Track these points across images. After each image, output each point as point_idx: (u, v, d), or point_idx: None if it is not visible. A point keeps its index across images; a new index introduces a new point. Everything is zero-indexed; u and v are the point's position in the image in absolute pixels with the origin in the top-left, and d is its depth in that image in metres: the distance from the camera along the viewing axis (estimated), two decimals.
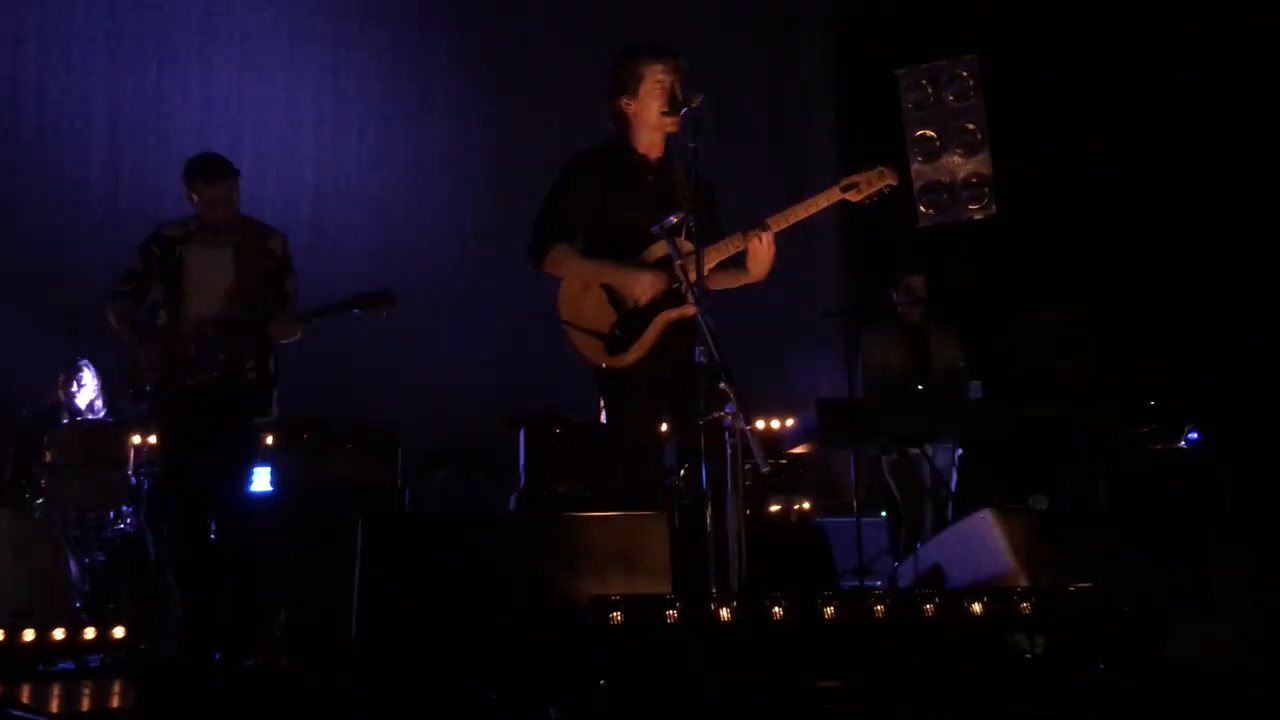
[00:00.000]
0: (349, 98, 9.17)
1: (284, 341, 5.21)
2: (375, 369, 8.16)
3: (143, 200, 8.08)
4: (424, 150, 9.29)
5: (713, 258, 4.42)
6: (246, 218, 5.32)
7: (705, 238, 4.32)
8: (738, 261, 4.51)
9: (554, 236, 4.55)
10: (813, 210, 4.47)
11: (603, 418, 4.70)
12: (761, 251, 4.40)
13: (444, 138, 9.36)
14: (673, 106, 4.44)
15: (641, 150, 4.59)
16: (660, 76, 4.48)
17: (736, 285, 4.61)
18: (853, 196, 4.47)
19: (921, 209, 7.90)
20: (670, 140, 4.62)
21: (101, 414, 6.85)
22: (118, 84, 8.49)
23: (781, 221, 4.43)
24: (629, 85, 4.53)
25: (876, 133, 8.46)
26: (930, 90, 7.88)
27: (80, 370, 6.81)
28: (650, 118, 4.52)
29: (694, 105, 4.28)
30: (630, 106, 4.55)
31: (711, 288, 4.55)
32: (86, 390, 6.85)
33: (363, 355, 8.00)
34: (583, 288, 4.47)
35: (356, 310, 5.14)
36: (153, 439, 6.54)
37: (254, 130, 8.68)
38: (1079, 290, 8.27)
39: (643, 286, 4.38)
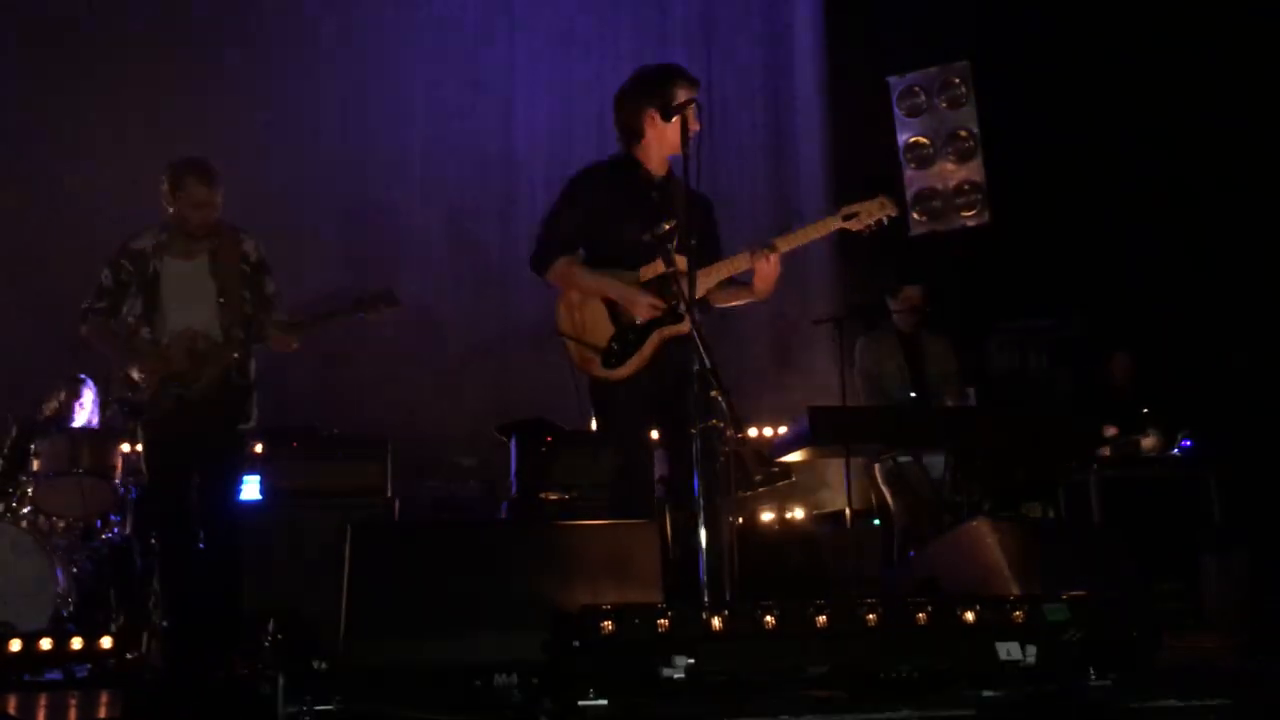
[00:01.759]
0: (334, 101, 9.12)
1: (289, 348, 5.17)
2: (365, 377, 8.12)
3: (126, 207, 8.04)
4: (415, 156, 9.25)
5: (719, 274, 4.47)
6: (218, 222, 5.27)
7: (704, 253, 4.34)
8: (741, 280, 4.53)
9: (557, 249, 4.58)
10: (815, 236, 4.53)
11: (592, 427, 4.69)
12: (768, 271, 4.43)
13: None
14: (668, 113, 4.43)
15: (649, 166, 4.59)
16: (691, 104, 4.41)
17: (740, 303, 4.63)
18: (853, 225, 4.52)
19: (914, 216, 7.91)
20: (671, 157, 4.63)
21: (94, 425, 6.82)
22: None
23: (788, 243, 4.46)
24: (659, 102, 4.47)
25: (868, 139, 8.47)
26: (922, 97, 7.91)
27: (83, 390, 6.77)
28: (671, 139, 4.49)
29: (685, 107, 4.31)
30: (653, 123, 4.53)
31: (716, 304, 4.57)
32: (85, 410, 6.82)
33: (353, 363, 7.97)
34: (581, 300, 4.49)
35: (360, 314, 5.11)
36: (140, 448, 6.50)
37: (235, 132, 8.63)
38: (1072, 298, 8.27)
39: (642, 307, 4.40)
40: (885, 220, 4.54)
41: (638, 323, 4.41)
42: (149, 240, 5.20)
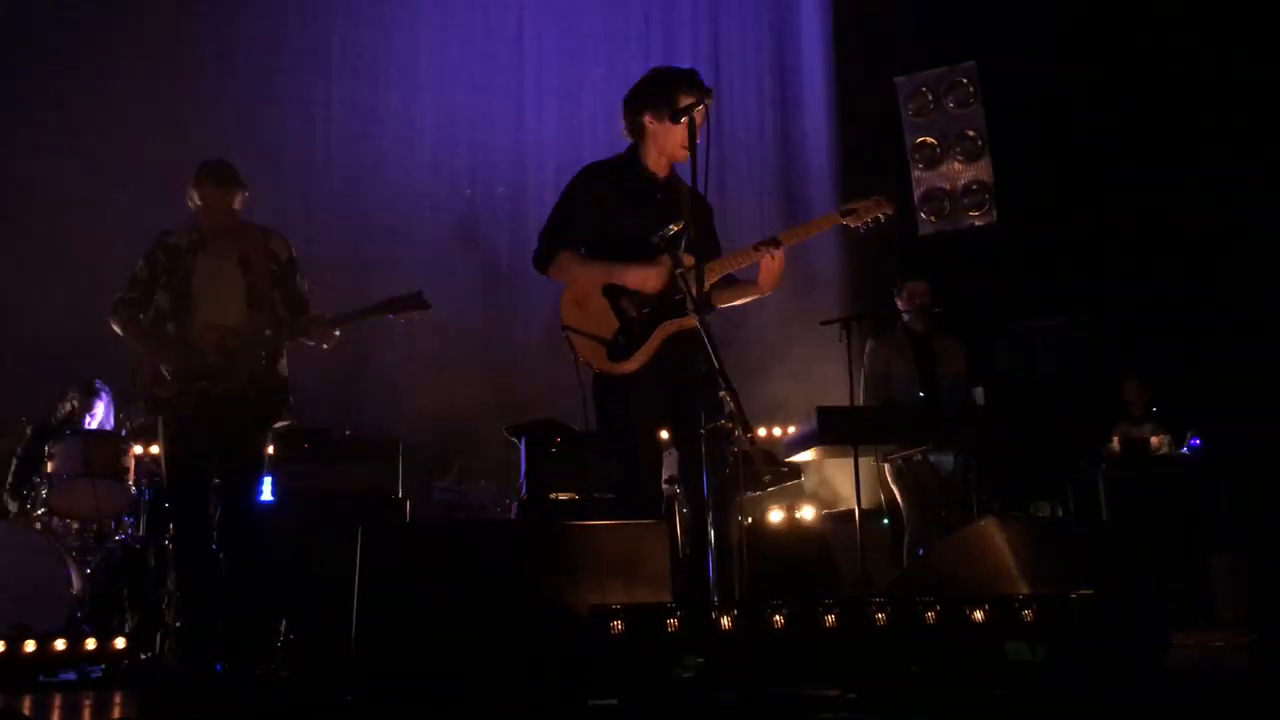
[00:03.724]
0: (349, 102, 9.16)
1: (324, 346, 5.19)
2: (377, 379, 8.16)
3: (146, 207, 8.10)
4: (426, 157, 9.28)
5: (723, 268, 4.51)
6: (246, 223, 5.32)
7: (705, 253, 4.37)
8: (744, 278, 4.55)
9: (560, 244, 4.59)
10: (815, 232, 4.63)
11: (595, 425, 4.69)
12: (773, 266, 4.47)
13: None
14: (676, 116, 4.45)
15: (651, 167, 4.62)
16: (693, 111, 4.40)
17: (744, 301, 4.66)
18: (851, 222, 4.63)
19: (923, 216, 7.95)
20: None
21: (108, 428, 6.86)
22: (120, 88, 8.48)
23: (791, 238, 4.51)
24: (660, 104, 4.52)
25: (877, 139, 8.48)
26: (930, 97, 7.93)
27: (97, 396, 6.79)
28: (669, 144, 4.55)
29: (692, 110, 4.32)
30: (652, 125, 4.57)
31: (719, 305, 4.60)
32: (97, 419, 6.84)
33: (364, 365, 8.01)
34: (586, 295, 4.51)
35: (390, 315, 5.14)
36: (155, 449, 6.54)
37: (253, 137, 8.66)
38: (1081, 297, 8.28)
39: (649, 279, 4.42)
40: (882, 218, 4.65)
41: (648, 297, 4.43)
42: (184, 237, 5.25)
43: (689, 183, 4.38)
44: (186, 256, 5.19)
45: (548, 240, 4.62)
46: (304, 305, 5.29)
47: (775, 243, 4.45)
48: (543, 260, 4.61)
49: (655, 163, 4.62)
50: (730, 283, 4.58)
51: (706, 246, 4.52)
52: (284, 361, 5.26)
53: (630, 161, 4.65)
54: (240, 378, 5.07)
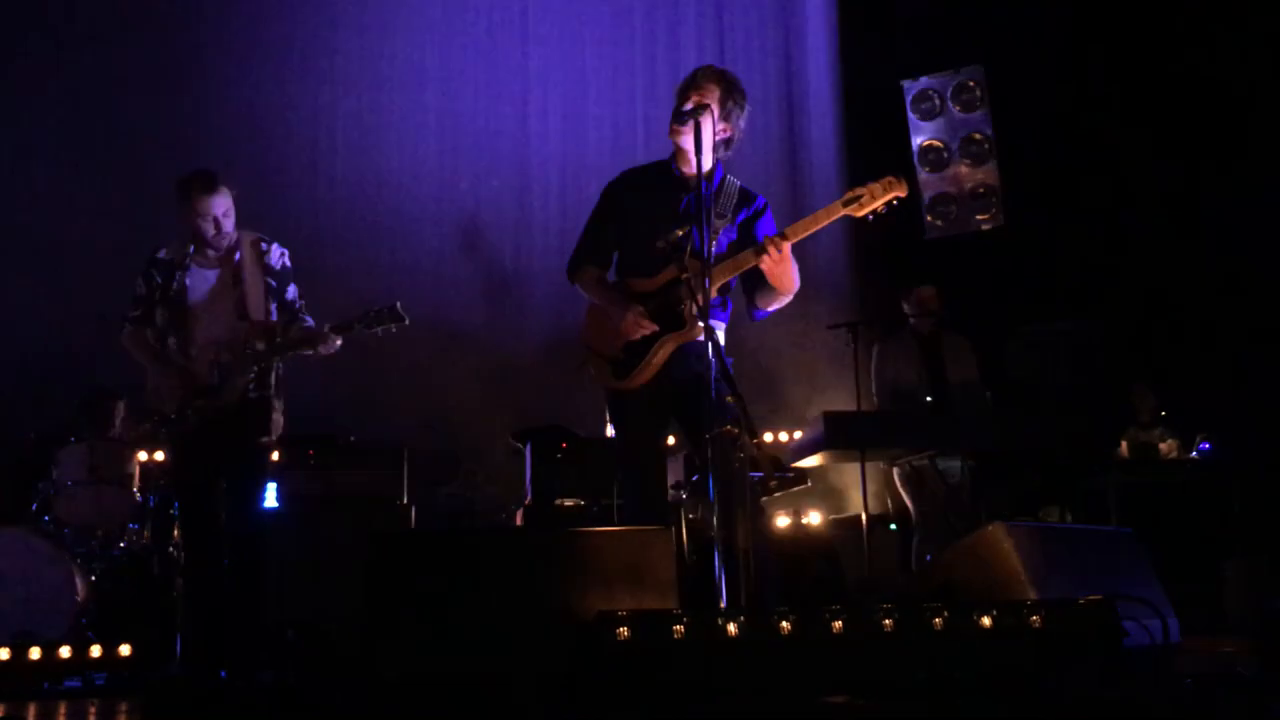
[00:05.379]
0: (355, 105, 9.14)
1: (324, 354, 5.15)
2: (381, 385, 8.13)
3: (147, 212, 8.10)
4: (429, 165, 9.26)
5: (725, 274, 4.45)
6: (242, 232, 5.27)
7: (742, 248, 4.39)
8: (764, 283, 4.49)
9: (585, 259, 4.67)
10: (822, 223, 4.42)
11: (609, 433, 4.72)
12: (774, 263, 4.35)
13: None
14: (678, 117, 4.45)
15: (687, 170, 4.58)
16: (686, 98, 4.50)
17: (778, 304, 4.58)
18: (855, 211, 4.37)
19: (929, 219, 7.92)
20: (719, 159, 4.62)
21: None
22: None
23: (796, 232, 4.39)
24: (675, 110, 4.54)
25: (883, 143, 8.46)
26: (937, 100, 7.91)
27: (117, 408, 6.77)
28: (690, 143, 4.52)
29: (699, 112, 4.28)
30: (675, 128, 4.55)
31: (765, 308, 4.55)
32: (116, 427, 6.83)
33: (368, 371, 7.98)
34: (602, 311, 4.56)
35: (367, 330, 5.10)
36: (159, 455, 6.53)
37: (258, 144, 8.65)
38: (1089, 300, 8.25)
39: (629, 324, 4.43)
40: (895, 202, 4.37)
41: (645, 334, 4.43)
42: (174, 252, 5.21)
43: (737, 180, 4.47)
44: (179, 271, 5.16)
45: (576, 254, 4.71)
46: (294, 314, 5.25)
47: (782, 236, 4.35)
48: (569, 272, 4.72)
49: (692, 165, 4.58)
50: (760, 284, 4.53)
51: (744, 241, 4.50)
52: (273, 376, 5.21)
53: (661, 167, 4.69)
54: (236, 393, 5.05)
